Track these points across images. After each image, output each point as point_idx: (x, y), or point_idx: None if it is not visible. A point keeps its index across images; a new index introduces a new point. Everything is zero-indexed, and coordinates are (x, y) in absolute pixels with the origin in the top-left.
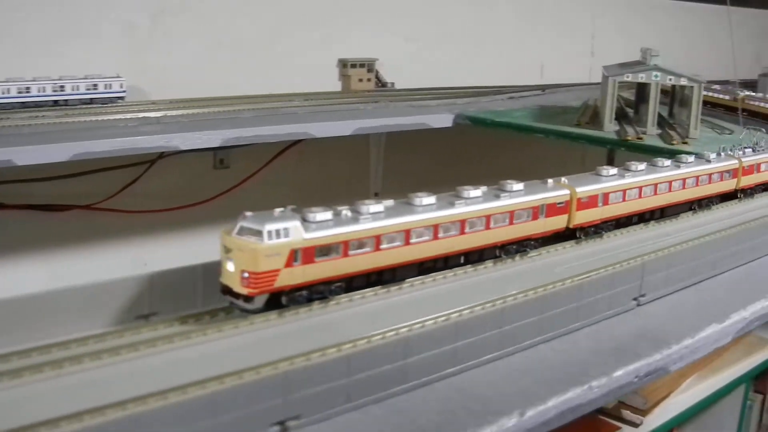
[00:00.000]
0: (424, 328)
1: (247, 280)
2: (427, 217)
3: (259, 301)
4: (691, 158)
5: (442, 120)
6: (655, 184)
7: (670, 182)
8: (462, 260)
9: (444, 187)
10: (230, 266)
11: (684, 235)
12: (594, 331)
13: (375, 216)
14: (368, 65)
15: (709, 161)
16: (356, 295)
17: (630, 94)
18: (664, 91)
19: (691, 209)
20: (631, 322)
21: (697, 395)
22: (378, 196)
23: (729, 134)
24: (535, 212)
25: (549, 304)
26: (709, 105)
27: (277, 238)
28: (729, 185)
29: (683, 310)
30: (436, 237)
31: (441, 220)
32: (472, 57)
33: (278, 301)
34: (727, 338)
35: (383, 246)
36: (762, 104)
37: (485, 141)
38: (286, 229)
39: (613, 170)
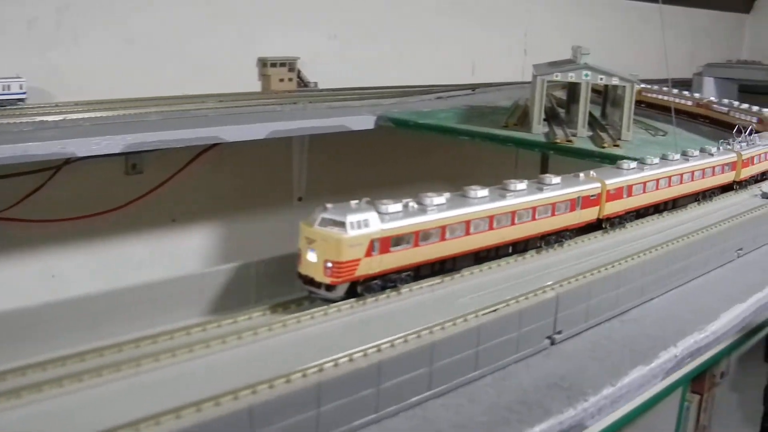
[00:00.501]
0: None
1: (331, 270)
2: (484, 208)
3: (341, 290)
4: (697, 152)
5: (364, 122)
6: (669, 177)
7: (681, 175)
8: (510, 250)
9: (372, 191)
10: (312, 257)
11: (603, 258)
12: (497, 381)
13: (440, 207)
14: (289, 64)
15: (712, 155)
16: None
17: (564, 94)
18: (598, 91)
19: (696, 200)
20: (542, 367)
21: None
22: (302, 201)
23: (662, 136)
24: (573, 204)
25: (441, 352)
26: (643, 105)
27: (359, 229)
28: (729, 177)
29: (605, 350)
30: (491, 227)
31: (496, 211)
32: (399, 55)
33: (354, 290)
34: (655, 380)
35: (447, 236)
36: (685, 102)
37: (415, 143)
38: (366, 220)
39: (633, 164)
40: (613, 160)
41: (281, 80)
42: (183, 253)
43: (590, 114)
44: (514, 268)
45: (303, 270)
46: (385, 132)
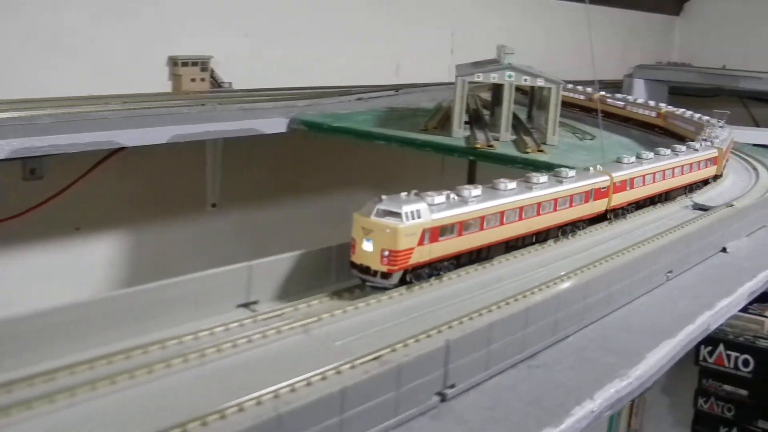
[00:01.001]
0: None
1: (387, 258)
2: (516, 199)
3: (396, 278)
4: (684, 147)
5: (275, 125)
6: (663, 171)
7: (673, 168)
8: (534, 239)
9: (292, 196)
10: (368, 246)
11: (507, 289)
12: None
13: (478, 199)
14: (201, 63)
15: (696, 150)
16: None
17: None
18: (526, 92)
19: (684, 194)
20: None
21: None
22: (216, 207)
23: (590, 140)
24: (587, 196)
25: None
26: (570, 106)
27: (413, 219)
28: (711, 172)
29: (506, 407)
30: (521, 218)
31: (525, 202)
32: (319, 54)
33: (404, 278)
34: None
35: (486, 226)
36: (619, 105)
37: (338, 146)
38: (418, 211)
39: (633, 158)
40: (536, 166)
41: (193, 80)
42: (88, 264)
43: (516, 117)
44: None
45: (357, 259)
46: (305, 134)
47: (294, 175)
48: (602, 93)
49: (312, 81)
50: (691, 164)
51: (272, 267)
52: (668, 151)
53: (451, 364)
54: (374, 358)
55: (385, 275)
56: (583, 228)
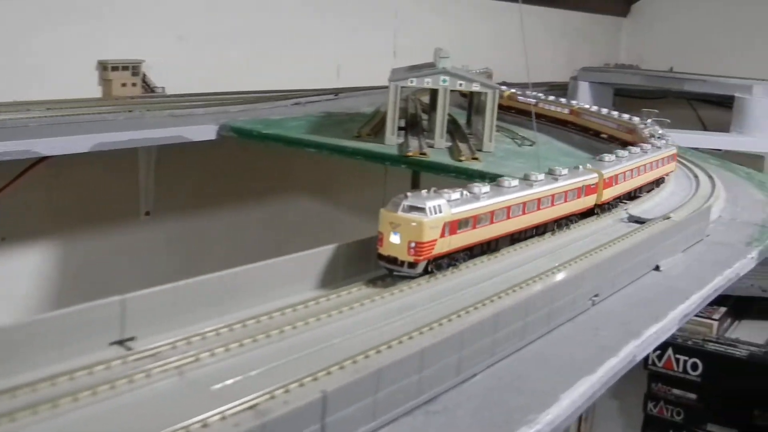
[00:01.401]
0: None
1: (414, 249)
2: (519, 195)
3: (420, 267)
4: (660, 142)
5: (204, 132)
6: (643, 166)
7: (651, 164)
8: (534, 232)
9: (229, 203)
10: (395, 239)
11: (402, 326)
12: None
13: (488, 195)
14: (133, 68)
15: (659, 148)
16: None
17: None
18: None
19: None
20: None
21: None
22: (150, 215)
23: (529, 146)
24: (579, 192)
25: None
26: (514, 111)
27: (436, 214)
28: (670, 168)
29: None
30: (524, 212)
31: (527, 198)
32: (257, 57)
33: (426, 267)
34: None
35: (495, 220)
36: (555, 108)
37: (278, 153)
38: (440, 206)
39: (612, 156)
40: (469, 175)
41: (124, 85)
42: (15, 274)
43: (454, 122)
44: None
45: (385, 251)
46: (242, 141)
47: (233, 182)
48: (513, 90)
49: (249, 85)
50: (662, 159)
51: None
52: (638, 150)
53: (329, 417)
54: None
55: (412, 265)
56: (575, 222)
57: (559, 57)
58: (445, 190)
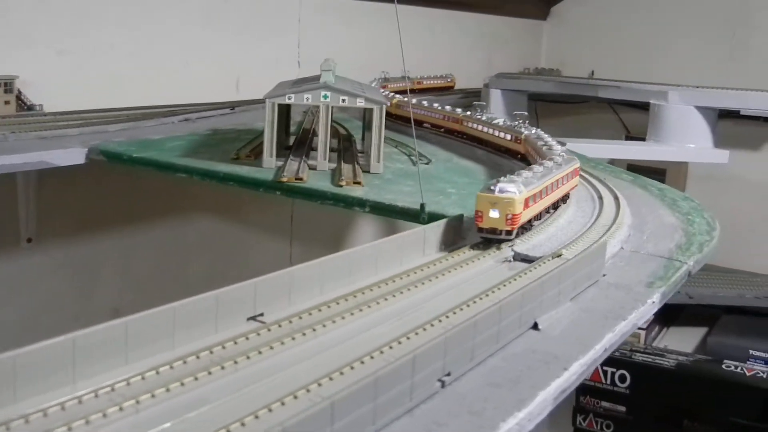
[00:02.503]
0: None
1: (510, 221)
2: (553, 175)
3: (513, 233)
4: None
5: (71, 156)
6: (539, 192)
7: (548, 187)
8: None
9: (119, 227)
10: (494, 214)
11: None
12: None
13: (537, 176)
14: (6, 84)
15: (560, 165)
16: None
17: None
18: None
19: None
20: None
21: None
22: (32, 242)
23: (425, 164)
24: (573, 174)
25: None
26: (400, 120)
27: (521, 192)
28: (574, 182)
29: None
30: (554, 190)
31: (554, 178)
32: (145, 71)
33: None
34: None
35: (543, 197)
36: (434, 116)
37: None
38: (520, 186)
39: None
40: (348, 203)
41: None
42: None
43: (348, 140)
44: None
45: (485, 225)
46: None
47: (123, 204)
48: (399, 97)
49: (136, 101)
50: (556, 182)
51: None
52: (530, 173)
53: None
54: None
55: (509, 232)
56: (566, 201)
57: (475, 63)
58: (517, 172)
